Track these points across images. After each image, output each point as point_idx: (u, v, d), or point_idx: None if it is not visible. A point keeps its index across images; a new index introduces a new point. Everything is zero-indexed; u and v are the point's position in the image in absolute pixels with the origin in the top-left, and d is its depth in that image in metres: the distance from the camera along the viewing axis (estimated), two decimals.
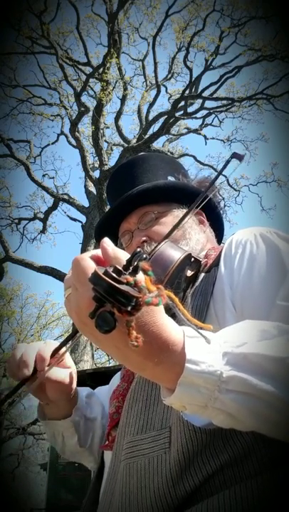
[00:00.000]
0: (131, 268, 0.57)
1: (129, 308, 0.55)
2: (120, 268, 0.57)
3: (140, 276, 0.57)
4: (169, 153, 12.53)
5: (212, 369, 0.60)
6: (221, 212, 1.25)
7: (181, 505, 0.75)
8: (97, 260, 0.63)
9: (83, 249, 11.49)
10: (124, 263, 0.58)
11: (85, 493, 1.23)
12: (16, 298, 20.68)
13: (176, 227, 0.82)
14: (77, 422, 1.11)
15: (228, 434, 0.77)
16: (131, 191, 1.13)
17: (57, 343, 0.97)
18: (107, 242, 0.63)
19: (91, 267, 0.60)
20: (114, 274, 0.55)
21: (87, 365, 9.90)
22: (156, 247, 0.92)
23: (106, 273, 0.55)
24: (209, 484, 0.75)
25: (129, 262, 0.58)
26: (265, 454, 0.76)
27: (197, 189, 1.18)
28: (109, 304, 0.55)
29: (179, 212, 1.14)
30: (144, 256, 0.58)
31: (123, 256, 0.61)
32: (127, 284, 0.55)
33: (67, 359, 1.02)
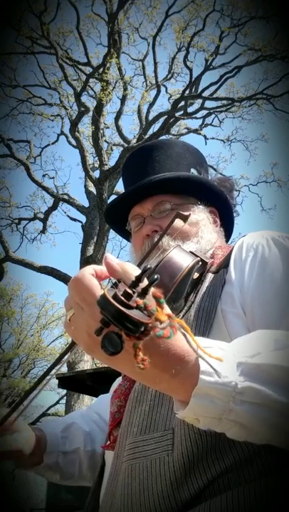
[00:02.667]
0: (140, 286, 0.55)
1: (137, 334, 0.53)
2: (130, 291, 0.55)
3: (150, 300, 0.56)
4: None
5: (227, 380, 0.59)
6: (235, 214, 1.23)
7: (184, 508, 0.75)
8: (98, 276, 0.62)
9: (83, 250, 11.47)
10: (133, 279, 0.56)
11: (85, 493, 1.24)
12: (16, 298, 20.70)
13: (156, 244, 0.79)
14: (52, 464, 1.14)
15: None
16: (152, 177, 1.09)
17: (5, 410, 0.96)
18: (110, 257, 0.62)
19: (95, 285, 0.59)
20: (123, 298, 0.53)
21: (87, 365, 9.89)
22: (164, 250, 0.90)
23: (115, 297, 0.54)
24: (213, 487, 0.74)
25: (139, 278, 0.56)
26: (270, 458, 0.75)
27: (218, 188, 1.16)
28: (117, 328, 0.53)
29: (195, 208, 1.11)
30: (156, 277, 0.56)
31: (131, 270, 0.59)
32: (137, 307, 0.54)
33: (17, 423, 1.03)
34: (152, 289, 0.56)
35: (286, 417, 0.60)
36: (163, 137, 11.28)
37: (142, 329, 0.53)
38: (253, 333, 0.69)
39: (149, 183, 1.09)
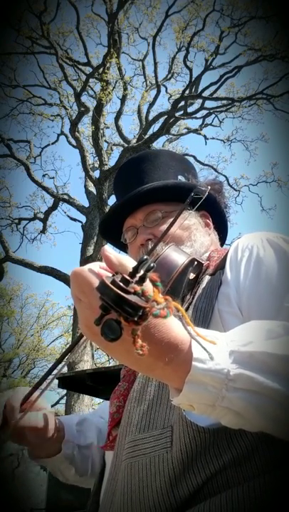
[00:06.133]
0: (138, 276, 0.57)
1: (136, 318, 0.55)
2: (127, 277, 0.57)
3: (148, 286, 0.58)
4: None
5: (219, 367, 0.61)
6: (227, 215, 1.25)
7: (183, 504, 0.75)
8: (96, 271, 0.63)
9: (83, 250, 11.48)
10: (130, 270, 0.58)
11: (85, 493, 1.23)
12: (16, 298, 20.73)
13: (167, 230, 0.82)
14: (69, 455, 1.12)
15: (232, 434, 0.77)
16: (140, 188, 1.12)
17: (27, 389, 0.96)
18: (108, 249, 0.63)
19: (93, 276, 0.61)
20: (121, 284, 0.55)
21: (87, 365, 9.90)
22: (159, 251, 0.92)
23: (113, 282, 0.55)
24: (212, 484, 0.75)
25: (136, 269, 0.58)
26: (269, 454, 0.76)
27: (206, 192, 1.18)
28: (116, 313, 0.55)
29: (186, 214, 1.13)
30: (152, 265, 0.58)
31: (128, 263, 0.61)
32: (135, 293, 0.55)
33: (40, 400, 1.01)
34: (149, 275, 0.58)
35: (279, 404, 0.61)
36: (157, 140, 11.27)
37: (140, 313, 0.55)
38: (246, 324, 0.70)
39: (137, 194, 1.11)
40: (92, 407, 10.10)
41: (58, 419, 1.12)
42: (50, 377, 0.83)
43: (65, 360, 0.82)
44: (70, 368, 9.60)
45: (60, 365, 0.84)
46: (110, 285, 0.55)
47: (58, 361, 0.84)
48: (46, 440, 1.04)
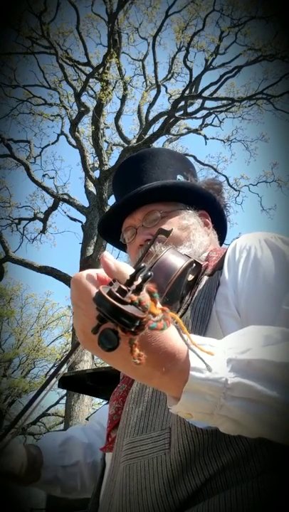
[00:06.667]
0: (135, 284, 0.57)
1: (132, 329, 0.55)
2: (124, 287, 0.56)
3: (145, 295, 0.57)
4: None
5: (217, 376, 0.60)
6: (226, 214, 1.24)
7: (182, 506, 0.75)
8: (96, 278, 0.63)
9: (83, 250, 11.48)
10: (128, 278, 0.58)
11: None
12: (16, 298, 20.70)
13: (144, 254, 0.80)
14: (50, 479, 1.15)
15: (231, 435, 0.77)
16: (139, 188, 1.11)
17: None
18: (108, 256, 0.63)
19: (92, 285, 0.61)
20: (118, 294, 0.55)
21: (87, 365, 9.89)
22: (158, 254, 0.91)
23: (110, 293, 0.55)
24: (210, 485, 0.75)
25: (133, 277, 0.57)
26: (268, 455, 0.76)
27: (205, 191, 1.18)
28: (113, 323, 0.55)
29: (184, 213, 1.13)
30: (149, 274, 0.57)
31: (126, 270, 0.61)
32: (132, 303, 0.55)
33: (10, 444, 1.04)
34: (146, 285, 0.57)
35: (278, 411, 0.61)
36: (157, 140, 11.27)
37: (137, 324, 0.55)
38: (244, 330, 0.69)
39: (136, 194, 1.11)
40: (92, 407, 10.10)
41: (35, 448, 1.15)
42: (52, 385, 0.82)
43: (56, 376, 0.82)
44: (70, 368, 9.59)
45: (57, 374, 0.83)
46: (106, 296, 0.54)
47: (52, 376, 0.83)
48: (20, 476, 1.08)
